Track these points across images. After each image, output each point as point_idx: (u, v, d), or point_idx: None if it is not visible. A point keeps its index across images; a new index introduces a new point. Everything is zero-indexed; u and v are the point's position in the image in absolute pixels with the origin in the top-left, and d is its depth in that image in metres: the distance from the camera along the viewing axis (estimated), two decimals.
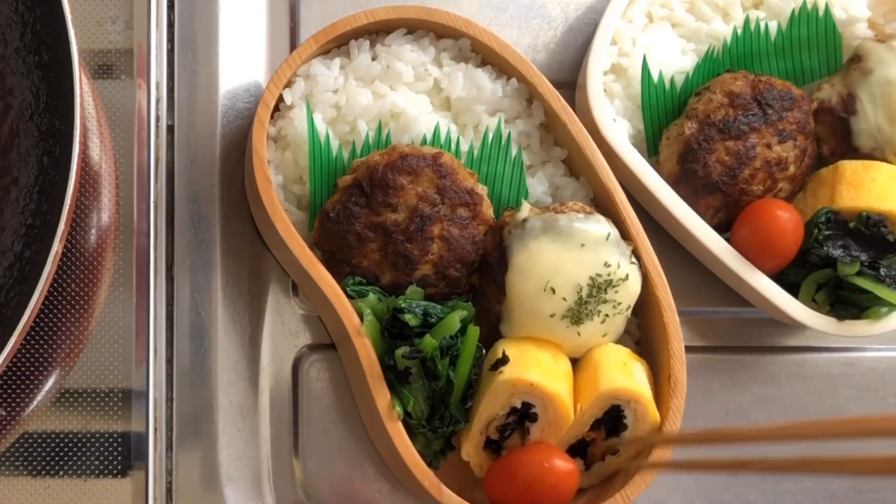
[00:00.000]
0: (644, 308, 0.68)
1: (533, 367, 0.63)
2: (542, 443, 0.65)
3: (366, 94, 0.68)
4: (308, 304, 0.71)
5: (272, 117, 0.68)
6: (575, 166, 0.70)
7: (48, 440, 0.66)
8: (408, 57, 0.68)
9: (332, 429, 0.71)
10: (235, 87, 0.72)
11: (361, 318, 0.64)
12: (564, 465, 0.64)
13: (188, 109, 0.71)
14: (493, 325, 0.66)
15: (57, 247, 0.55)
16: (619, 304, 0.65)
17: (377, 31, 0.69)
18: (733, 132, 0.69)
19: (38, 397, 0.66)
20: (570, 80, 0.74)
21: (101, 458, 0.67)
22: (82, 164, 0.59)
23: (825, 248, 0.69)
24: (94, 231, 0.68)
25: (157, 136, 0.70)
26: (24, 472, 0.66)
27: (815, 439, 0.45)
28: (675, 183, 0.70)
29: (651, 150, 0.73)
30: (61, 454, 0.66)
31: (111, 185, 0.68)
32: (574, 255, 0.64)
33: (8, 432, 0.66)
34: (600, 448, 0.67)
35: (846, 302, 0.70)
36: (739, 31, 0.73)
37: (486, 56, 0.70)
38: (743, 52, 0.73)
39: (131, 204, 0.69)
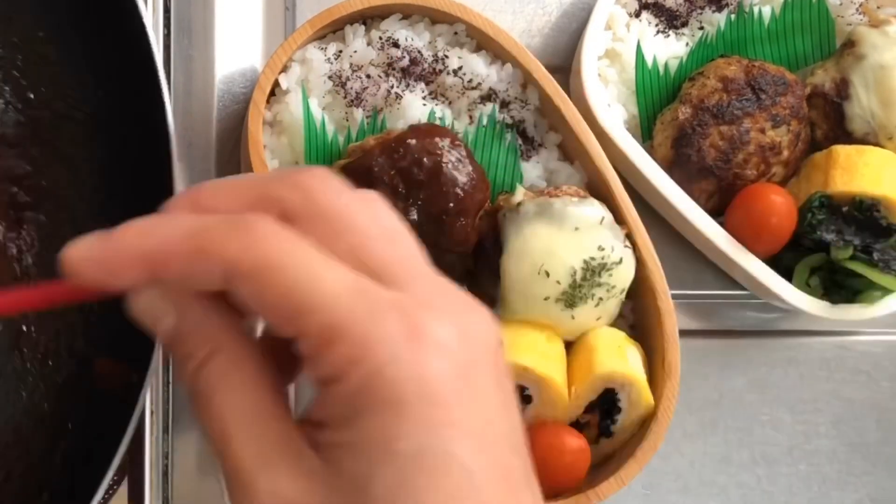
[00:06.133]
0: (638, 292, 0.68)
1: (526, 351, 0.64)
2: (548, 422, 0.65)
3: (361, 79, 0.68)
4: None
5: (268, 102, 0.68)
6: (569, 151, 0.71)
7: None
8: (403, 42, 0.69)
9: None
10: (231, 71, 0.73)
11: None
12: (576, 441, 0.64)
13: (185, 94, 0.71)
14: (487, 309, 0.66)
15: None
16: (613, 287, 0.66)
17: (372, 17, 0.70)
18: (727, 117, 0.70)
19: None
20: (565, 65, 0.74)
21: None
22: None
23: (818, 233, 0.69)
24: None
25: None
26: None
27: None
28: (669, 167, 0.70)
29: (645, 134, 0.73)
30: None
31: None
32: (568, 239, 0.64)
33: None
34: (594, 431, 0.67)
35: (840, 286, 0.71)
36: (733, 17, 0.73)
37: (480, 41, 0.70)
38: (737, 37, 0.73)
39: None
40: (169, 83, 0.71)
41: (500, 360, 0.35)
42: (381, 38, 0.69)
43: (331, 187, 0.35)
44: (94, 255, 0.34)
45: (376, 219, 0.35)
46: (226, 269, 0.33)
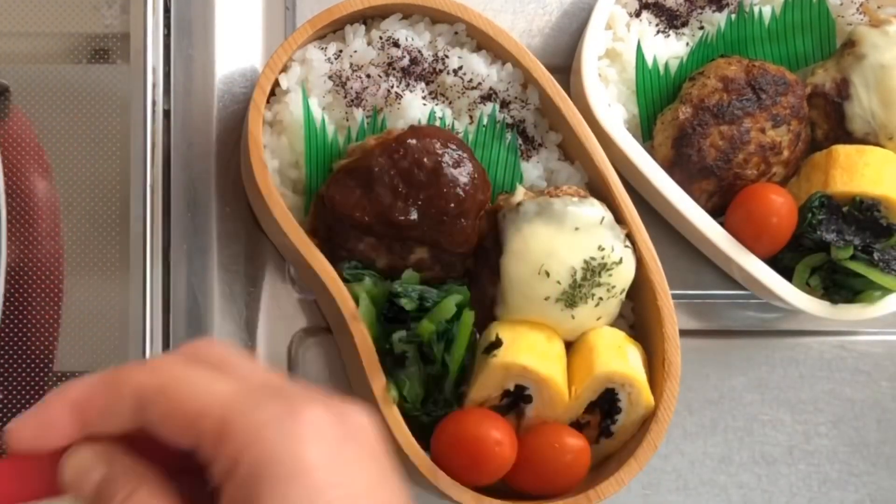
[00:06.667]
0: (638, 292, 0.68)
1: (526, 351, 0.63)
2: (548, 422, 0.65)
3: (361, 78, 0.68)
4: (304, 288, 0.72)
5: (268, 102, 0.68)
6: (569, 151, 0.71)
7: None
8: (403, 42, 0.69)
9: None
10: (231, 71, 0.73)
11: (357, 302, 0.65)
12: (576, 441, 0.64)
13: (184, 94, 0.71)
14: (488, 309, 0.66)
15: None
16: (614, 287, 0.66)
17: (372, 16, 0.70)
18: (727, 117, 0.70)
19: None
20: (565, 65, 0.74)
21: None
22: None
23: (819, 233, 0.69)
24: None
25: (153, 121, 0.70)
26: None
27: None
28: (670, 167, 0.70)
29: (645, 134, 0.73)
30: None
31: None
32: (568, 239, 0.64)
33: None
34: (595, 431, 0.67)
35: (840, 286, 0.71)
36: (733, 17, 0.73)
37: (481, 41, 0.70)
38: (737, 37, 0.73)
39: (127, 188, 0.69)
40: (169, 83, 0.71)
41: (374, 439, 0.41)
42: (381, 38, 0.69)
43: (215, 342, 0.43)
44: (30, 418, 0.40)
45: (253, 362, 0.43)
46: (135, 396, 0.39)
